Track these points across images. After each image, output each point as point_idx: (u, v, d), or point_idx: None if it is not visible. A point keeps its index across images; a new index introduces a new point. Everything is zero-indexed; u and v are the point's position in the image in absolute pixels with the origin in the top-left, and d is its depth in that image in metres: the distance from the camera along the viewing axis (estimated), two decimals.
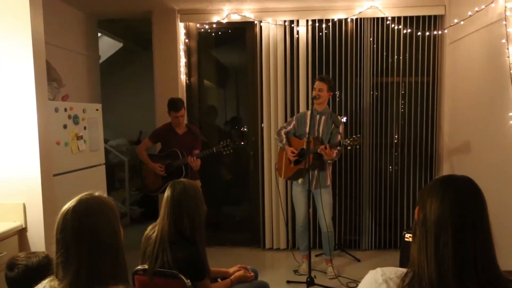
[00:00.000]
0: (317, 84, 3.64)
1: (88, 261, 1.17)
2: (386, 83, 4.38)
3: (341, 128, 3.60)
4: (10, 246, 2.48)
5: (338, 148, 3.53)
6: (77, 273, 1.16)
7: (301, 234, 3.87)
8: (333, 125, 3.61)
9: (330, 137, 3.59)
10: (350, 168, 4.40)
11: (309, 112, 3.64)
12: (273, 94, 4.36)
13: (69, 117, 3.17)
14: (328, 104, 3.85)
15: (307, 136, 3.42)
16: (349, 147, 3.43)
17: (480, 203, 1.06)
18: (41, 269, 1.75)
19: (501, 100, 3.10)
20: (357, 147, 3.91)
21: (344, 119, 4.34)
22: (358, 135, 3.40)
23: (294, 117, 3.87)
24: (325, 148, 3.40)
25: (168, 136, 3.85)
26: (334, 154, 3.50)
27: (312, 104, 3.58)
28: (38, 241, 2.61)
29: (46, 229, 2.61)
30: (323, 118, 3.67)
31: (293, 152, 3.65)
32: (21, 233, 2.59)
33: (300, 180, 3.72)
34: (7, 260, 1.85)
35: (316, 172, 3.63)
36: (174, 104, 3.74)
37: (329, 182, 3.70)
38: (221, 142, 3.77)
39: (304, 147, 3.58)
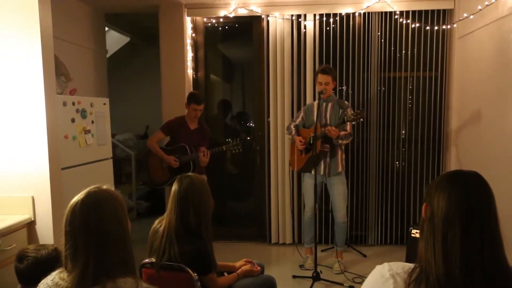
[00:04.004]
0: (322, 77, 3.59)
1: (97, 253, 1.18)
2: (394, 78, 4.35)
3: (349, 111, 3.55)
4: (19, 239, 2.51)
5: (348, 130, 3.53)
6: (86, 265, 1.17)
7: (308, 225, 3.85)
8: (340, 110, 3.61)
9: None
10: (357, 163, 4.38)
11: (316, 102, 3.67)
12: (280, 89, 4.35)
13: (77, 111, 3.18)
14: (335, 93, 3.82)
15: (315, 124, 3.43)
16: (353, 122, 3.40)
17: (487, 198, 1.05)
18: (50, 261, 1.77)
19: (511, 95, 3.06)
20: (361, 120, 3.89)
21: None
22: (361, 109, 3.37)
23: (302, 109, 3.89)
24: (331, 128, 3.41)
25: (180, 130, 3.86)
26: (342, 132, 3.49)
27: (319, 97, 3.60)
28: (46, 233, 2.64)
29: (54, 222, 2.63)
30: (329, 105, 3.67)
31: (300, 141, 3.66)
32: (30, 225, 2.62)
33: (313, 172, 3.72)
34: (16, 252, 1.87)
35: (327, 159, 3.64)
36: (196, 97, 3.79)
37: (340, 168, 3.69)
38: (231, 141, 3.79)
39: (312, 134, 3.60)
